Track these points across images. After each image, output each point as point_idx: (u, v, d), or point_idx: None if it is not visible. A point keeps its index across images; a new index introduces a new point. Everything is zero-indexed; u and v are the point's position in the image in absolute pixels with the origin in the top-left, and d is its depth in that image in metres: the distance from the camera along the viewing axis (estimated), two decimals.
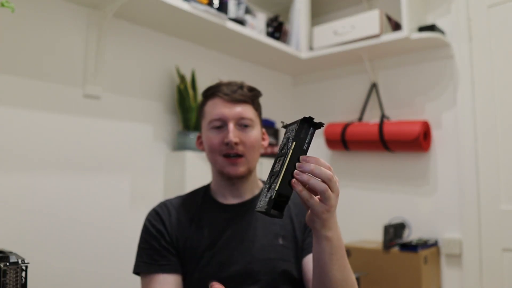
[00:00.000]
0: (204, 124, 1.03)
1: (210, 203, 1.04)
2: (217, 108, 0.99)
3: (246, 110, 1.00)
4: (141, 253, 0.99)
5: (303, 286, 0.99)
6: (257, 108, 1.06)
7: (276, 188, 0.68)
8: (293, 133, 0.71)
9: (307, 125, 0.71)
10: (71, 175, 1.57)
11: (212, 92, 1.02)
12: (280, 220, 1.01)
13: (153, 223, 1.01)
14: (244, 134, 0.99)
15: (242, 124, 0.99)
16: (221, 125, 0.99)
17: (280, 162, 0.71)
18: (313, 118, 0.71)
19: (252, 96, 1.03)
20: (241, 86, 1.02)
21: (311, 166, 0.68)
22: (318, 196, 0.69)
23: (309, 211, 0.72)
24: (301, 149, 0.70)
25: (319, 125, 0.71)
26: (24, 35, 1.48)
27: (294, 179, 0.68)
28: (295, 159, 0.70)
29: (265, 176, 2.18)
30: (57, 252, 1.50)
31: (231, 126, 0.97)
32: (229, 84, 1.03)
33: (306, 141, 0.71)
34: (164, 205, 1.05)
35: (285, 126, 0.77)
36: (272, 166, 0.74)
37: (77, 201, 1.58)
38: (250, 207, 1.03)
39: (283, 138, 0.75)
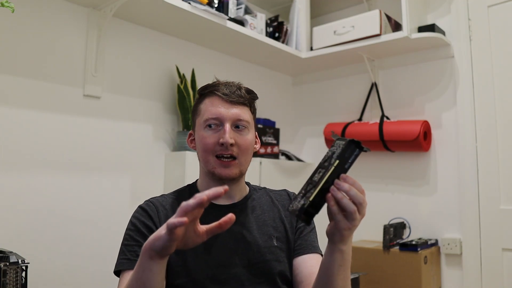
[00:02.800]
0: (199, 122, 1.01)
1: None
2: (215, 107, 0.98)
3: (243, 112, 0.99)
4: (124, 250, 0.96)
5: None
6: (253, 111, 1.05)
7: (311, 198, 0.73)
8: (339, 151, 0.75)
9: (354, 146, 0.74)
10: (71, 175, 1.57)
11: (210, 90, 1.01)
12: (273, 222, 1.02)
13: (141, 219, 0.98)
14: (239, 136, 0.98)
15: (238, 126, 0.98)
16: (217, 124, 0.97)
17: (320, 174, 0.76)
18: (361, 143, 0.75)
19: (249, 99, 1.02)
20: (239, 87, 1.01)
21: (347, 187, 0.73)
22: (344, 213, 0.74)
23: (332, 224, 0.76)
24: (343, 168, 0.74)
25: (365, 149, 0.75)
26: (24, 35, 1.48)
27: (329, 194, 0.73)
28: (335, 175, 0.74)
29: (264, 176, 2.18)
30: (57, 252, 1.50)
31: (227, 126, 0.96)
32: (227, 84, 1.01)
33: (349, 161, 0.75)
34: (150, 202, 1.02)
35: (337, 138, 0.79)
36: (311, 174, 0.78)
37: (77, 201, 1.58)
38: (242, 208, 1.02)
39: (329, 151, 0.78)
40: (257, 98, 1.05)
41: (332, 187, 0.73)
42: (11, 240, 1.37)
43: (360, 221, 0.75)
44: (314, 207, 0.74)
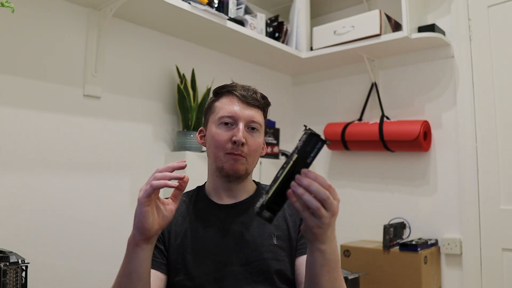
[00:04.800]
0: (213, 118, 1.04)
1: (205, 202, 1.05)
2: (231, 106, 1.01)
3: (257, 115, 1.03)
4: None
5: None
6: (265, 116, 1.09)
7: (269, 195, 0.71)
8: (301, 144, 0.71)
9: (316, 139, 0.71)
10: (71, 175, 1.57)
11: (228, 90, 1.04)
12: (275, 220, 1.02)
13: None
14: (251, 137, 1.01)
15: (251, 127, 1.01)
16: (231, 123, 1.00)
17: (282, 170, 0.72)
18: (320, 136, 0.72)
19: (264, 103, 1.06)
20: (255, 91, 1.06)
21: (307, 182, 0.69)
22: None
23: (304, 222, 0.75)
24: (305, 162, 0.71)
25: (328, 142, 0.72)
26: (24, 35, 1.48)
27: (290, 190, 0.71)
28: (296, 170, 0.71)
29: (264, 176, 2.18)
30: (57, 252, 1.50)
31: (241, 126, 0.99)
32: (244, 86, 1.05)
33: (312, 155, 0.71)
34: None
35: (304, 131, 0.76)
36: (278, 170, 0.75)
37: (77, 201, 1.58)
38: (245, 207, 1.04)
39: (296, 145, 0.75)
40: (270, 104, 1.09)
41: (293, 182, 0.70)
42: (11, 240, 1.37)
43: (331, 219, 0.71)
44: (274, 204, 0.71)
